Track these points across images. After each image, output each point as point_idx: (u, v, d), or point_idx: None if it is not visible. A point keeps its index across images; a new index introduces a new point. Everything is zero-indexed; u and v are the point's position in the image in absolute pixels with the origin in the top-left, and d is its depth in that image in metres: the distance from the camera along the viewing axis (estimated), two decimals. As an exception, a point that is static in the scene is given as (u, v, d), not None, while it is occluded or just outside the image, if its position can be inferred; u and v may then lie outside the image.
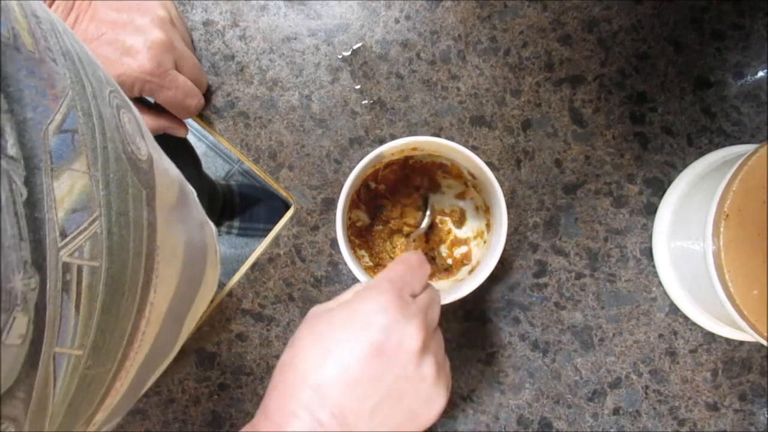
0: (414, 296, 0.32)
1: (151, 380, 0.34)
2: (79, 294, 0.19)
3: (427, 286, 0.34)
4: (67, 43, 0.22)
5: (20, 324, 0.17)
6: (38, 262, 0.17)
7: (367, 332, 0.29)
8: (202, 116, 0.48)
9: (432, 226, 0.48)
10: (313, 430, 0.28)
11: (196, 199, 0.40)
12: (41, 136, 0.18)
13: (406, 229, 0.47)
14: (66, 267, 0.19)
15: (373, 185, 0.47)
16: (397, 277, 0.32)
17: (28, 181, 0.17)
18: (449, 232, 0.48)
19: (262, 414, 0.30)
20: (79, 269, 0.19)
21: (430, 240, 0.48)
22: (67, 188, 0.19)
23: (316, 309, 0.33)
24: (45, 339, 0.18)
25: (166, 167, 0.30)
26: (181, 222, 0.32)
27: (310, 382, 0.29)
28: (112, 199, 0.21)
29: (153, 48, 0.39)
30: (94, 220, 0.20)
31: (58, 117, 0.19)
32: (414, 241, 0.46)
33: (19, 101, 0.18)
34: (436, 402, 0.31)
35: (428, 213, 0.46)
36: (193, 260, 0.34)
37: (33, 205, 0.17)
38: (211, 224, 0.44)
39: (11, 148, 0.17)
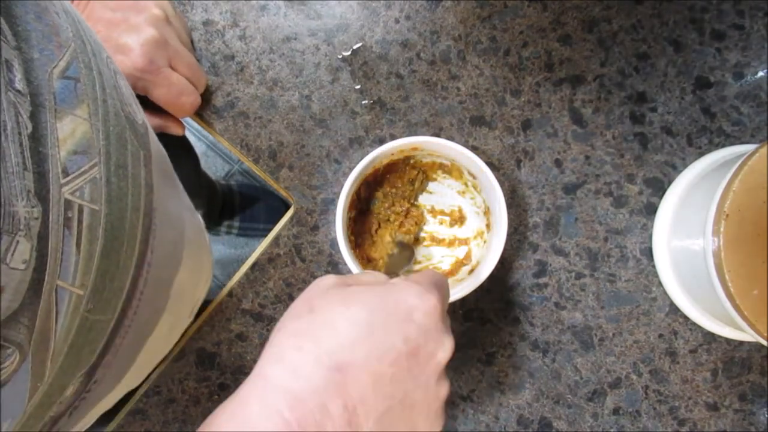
0: None
1: (143, 366, 0.34)
2: (80, 233, 0.20)
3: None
4: (67, 5, 0.22)
5: (23, 249, 0.17)
6: (41, 194, 0.18)
7: (408, 328, 0.26)
8: (201, 116, 0.48)
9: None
10: (319, 421, 0.23)
11: (183, 189, 0.41)
12: (46, 77, 0.19)
13: (393, 217, 0.47)
14: (68, 204, 0.19)
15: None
16: (442, 286, 0.29)
17: (34, 117, 0.18)
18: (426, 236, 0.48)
19: (260, 381, 0.25)
20: (80, 209, 0.20)
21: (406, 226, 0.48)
22: (70, 130, 0.20)
23: (332, 280, 0.29)
24: (48, 269, 0.19)
25: (156, 141, 0.30)
26: (173, 197, 0.33)
27: (333, 360, 0.24)
28: (112, 150, 0.22)
29: (146, 45, 0.39)
30: (93, 165, 0.21)
31: (62, 63, 0.20)
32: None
33: (27, 41, 0.18)
34: (435, 428, 0.28)
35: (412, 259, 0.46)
36: (179, 232, 0.34)
37: (37, 139, 0.18)
38: (198, 215, 0.45)
39: (18, 83, 0.18)
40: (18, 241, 0.17)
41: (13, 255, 0.17)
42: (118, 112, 0.23)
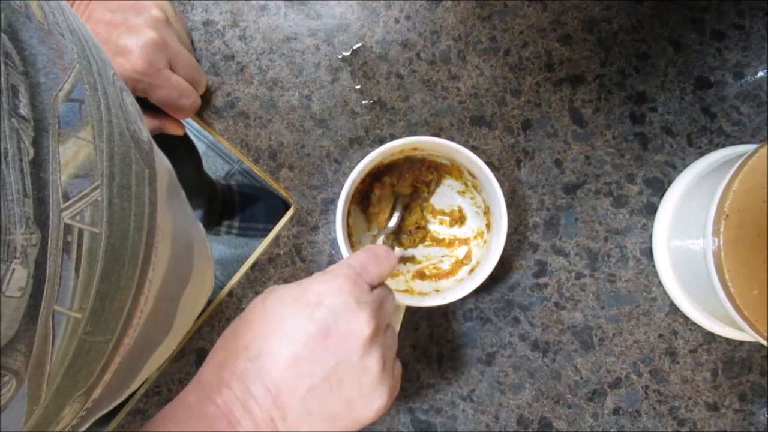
0: (372, 287, 0.31)
1: (145, 372, 0.34)
2: (79, 257, 0.20)
3: (385, 284, 0.33)
4: (74, 23, 0.22)
5: (20, 276, 0.17)
6: (41, 220, 0.18)
7: (316, 311, 0.28)
8: (201, 116, 0.48)
9: (418, 226, 0.48)
10: (243, 402, 0.27)
11: (185, 198, 0.41)
12: (51, 101, 0.19)
13: (380, 217, 0.47)
14: (67, 228, 0.19)
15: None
16: (357, 263, 0.31)
17: (36, 142, 0.18)
18: (429, 234, 0.48)
19: (195, 381, 0.29)
20: (80, 233, 0.20)
21: (407, 239, 0.48)
22: (72, 154, 0.19)
23: (273, 286, 0.32)
24: (45, 295, 0.19)
25: (162, 156, 0.30)
26: (177, 211, 0.33)
27: (249, 353, 0.28)
28: (116, 171, 0.22)
29: (145, 47, 0.39)
30: (95, 188, 0.20)
31: (67, 86, 0.20)
32: (383, 238, 0.46)
33: (33, 65, 0.18)
34: (377, 400, 0.29)
35: (396, 214, 0.46)
36: (185, 248, 0.34)
37: (38, 165, 0.18)
38: (199, 223, 0.45)
39: (23, 108, 0.17)
40: (14, 269, 0.17)
41: (9, 283, 0.17)
42: (123, 132, 0.23)
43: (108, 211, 0.21)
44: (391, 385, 0.30)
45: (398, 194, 0.47)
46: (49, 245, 0.18)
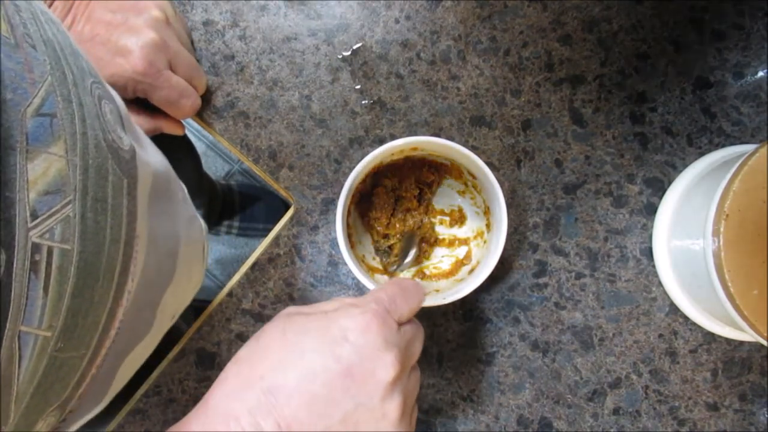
0: (399, 324, 0.30)
1: (125, 372, 0.33)
2: (48, 275, 0.19)
3: (415, 320, 0.32)
4: (49, 32, 0.22)
5: None
6: (6, 241, 0.18)
7: (339, 348, 0.27)
8: (201, 116, 0.48)
9: (420, 226, 0.47)
10: None
11: (187, 196, 0.40)
12: (19, 117, 0.18)
13: (378, 225, 0.47)
14: (35, 247, 0.19)
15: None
16: (387, 298, 0.30)
17: (1, 161, 0.17)
18: (437, 238, 0.48)
19: (202, 407, 0.27)
20: (50, 251, 0.19)
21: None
22: (42, 170, 0.19)
23: (290, 309, 0.30)
24: (10, 316, 0.18)
25: (149, 161, 0.29)
26: (163, 215, 0.32)
27: (264, 383, 0.26)
28: (90, 184, 0.21)
29: (145, 48, 0.39)
30: (67, 203, 0.20)
31: (37, 100, 0.19)
32: (396, 271, 0.45)
33: None
34: None
35: (413, 251, 0.45)
36: (170, 252, 0.33)
37: (4, 184, 0.18)
38: (201, 221, 0.44)
39: None
40: None
41: None
42: (99, 144, 0.22)
43: (81, 226, 0.21)
44: (407, 430, 0.29)
45: (414, 232, 0.46)
46: (14, 266, 0.18)
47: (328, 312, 0.29)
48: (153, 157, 0.32)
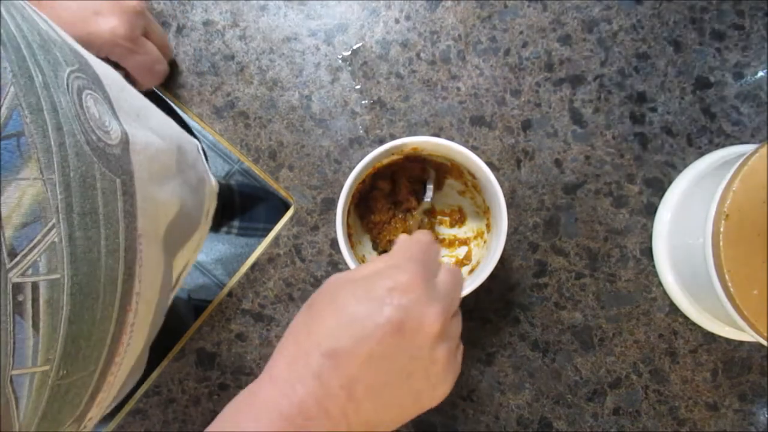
0: (434, 275, 0.31)
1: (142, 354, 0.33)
2: (36, 312, 0.18)
3: (449, 267, 0.33)
4: (11, 26, 0.20)
5: None
6: None
7: (389, 308, 0.28)
8: (201, 116, 0.48)
9: (421, 226, 0.47)
10: (319, 399, 0.27)
11: (198, 154, 0.39)
12: None
13: (377, 229, 0.47)
14: (17, 288, 0.17)
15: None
16: (418, 257, 0.31)
17: None
18: (437, 238, 0.48)
19: (266, 375, 0.28)
20: (35, 286, 0.18)
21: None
22: (15, 201, 0.17)
23: (337, 276, 0.32)
24: None
25: (148, 141, 0.28)
26: (171, 191, 0.31)
27: (323, 348, 0.27)
28: (74, 200, 0.20)
29: (128, 13, 0.39)
30: (50, 229, 0.18)
31: None
32: (413, 218, 0.45)
33: None
34: (441, 387, 0.30)
35: (429, 186, 0.44)
36: (188, 219, 0.32)
37: None
38: (212, 180, 0.43)
39: None
40: None
41: None
42: (80, 150, 0.20)
43: (69, 249, 0.19)
44: (455, 371, 0.31)
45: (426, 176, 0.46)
46: None
47: (371, 277, 0.30)
48: (155, 132, 0.30)
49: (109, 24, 0.38)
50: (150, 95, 0.43)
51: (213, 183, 0.43)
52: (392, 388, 0.28)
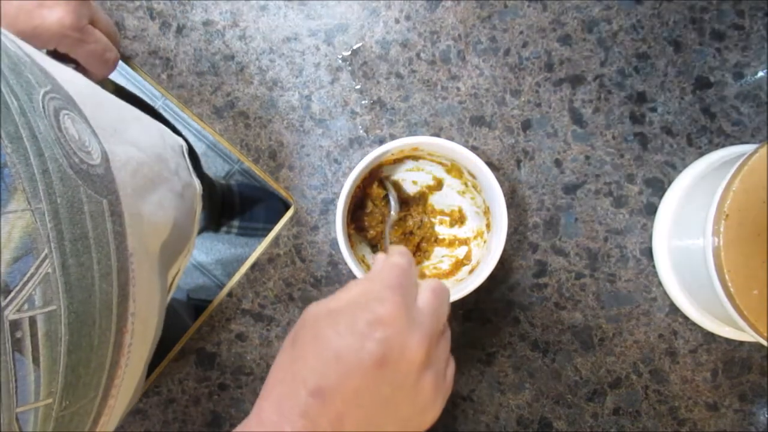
0: (414, 298, 0.31)
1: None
2: (35, 346, 0.18)
3: (431, 285, 0.33)
4: None
5: None
6: None
7: (371, 343, 0.28)
8: (201, 116, 0.48)
9: (420, 226, 0.48)
10: None
11: (181, 158, 0.37)
12: None
13: (371, 230, 0.47)
14: (15, 325, 0.17)
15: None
16: (396, 284, 0.31)
17: None
18: (437, 238, 0.48)
19: (254, 418, 0.29)
20: (32, 321, 0.18)
21: (412, 240, 0.48)
22: (5, 237, 0.17)
23: (315, 309, 0.32)
24: (2, 406, 0.17)
25: (129, 156, 0.27)
26: (158, 203, 0.30)
27: (309, 386, 0.28)
28: (64, 227, 0.19)
29: (72, 1, 0.38)
30: (43, 260, 0.18)
31: None
32: (390, 228, 0.45)
33: None
34: (430, 412, 0.30)
35: (390, 194, 0.45)
36: (181, 231, 0.32)
37: None
38: (196, 184, 0.42)
39: None
40: None
41: None
42: (64, 174, 0.20)
43: (64, 278, 0.19)
44: (445, 393, 0.31)
45: (387, 182, 0.47)
46: None
47: (350, 309, 0.30)
48: (133, 144, 0.30)
49: (55, 15, 0.37)
50: (123, 94, 0.42)
51: (197, 185, 0.42)
52: (380, 419, 0.28)
